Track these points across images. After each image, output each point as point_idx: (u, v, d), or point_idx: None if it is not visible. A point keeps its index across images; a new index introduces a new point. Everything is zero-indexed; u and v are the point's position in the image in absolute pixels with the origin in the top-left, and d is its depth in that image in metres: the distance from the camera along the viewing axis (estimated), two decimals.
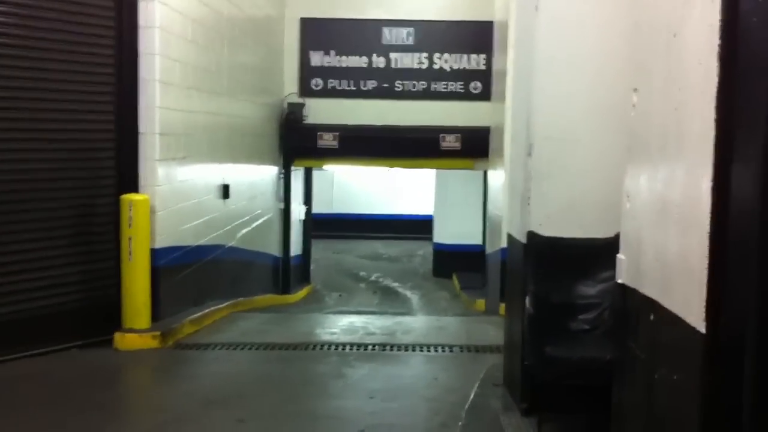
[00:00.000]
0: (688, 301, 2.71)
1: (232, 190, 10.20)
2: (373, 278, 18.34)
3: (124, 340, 7.16)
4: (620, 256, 3.70)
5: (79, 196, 7.32)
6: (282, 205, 14.22)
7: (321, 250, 19.41)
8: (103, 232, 7.45)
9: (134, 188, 7.52)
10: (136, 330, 7.24)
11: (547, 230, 5.20)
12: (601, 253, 5.02)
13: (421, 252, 21.83)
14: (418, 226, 23.11)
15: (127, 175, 7.56)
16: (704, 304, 2.58)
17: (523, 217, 5.45)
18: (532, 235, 5.22)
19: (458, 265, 16.83)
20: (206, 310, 8.65)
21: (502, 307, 8.72)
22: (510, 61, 8.95)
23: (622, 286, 3.63)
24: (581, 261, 5.17)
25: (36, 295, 6.90)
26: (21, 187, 6.84)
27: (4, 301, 6.66)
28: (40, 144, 6.99)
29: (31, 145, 6.93)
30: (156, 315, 7.52)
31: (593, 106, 5.21)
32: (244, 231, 11.19)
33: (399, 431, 5.19)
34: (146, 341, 7.19)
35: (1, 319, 6.63)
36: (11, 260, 6.72)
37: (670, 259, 2.94)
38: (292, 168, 14.47)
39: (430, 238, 19.82)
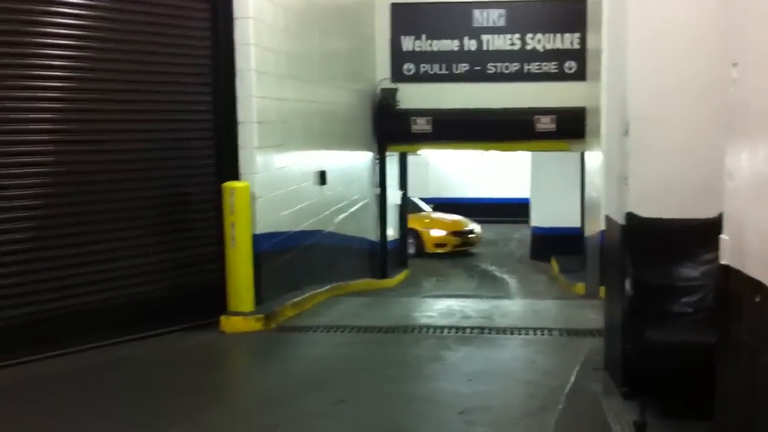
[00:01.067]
0: None
1: (328, 177, 10.36)
2: (470, 263, 18.31)
3: (230, 323, 7.40)
4: (723, 236, 3.61)
5: (183, 184, 7.57)
6: (378, 191, 14.34)
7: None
8: (205, 218, 7.70)
9: (234, 176, 7.74)
10: (241, 313, 7.47)
11: (645, 211, 5.09)
12: (702, 234, 4.89)
13: (517, 236, 21.64)
14: (514, 210, 22.90)
15: (226, 163, 7.79)
16: None
17: (620, 198, 5.36)
18: (630, 217, 5.12)
19: (556, 248, 16.61)
20: (306, 294, 8.84)
21: (602, 290, 8.59)
22: (604, 38, 8.77)
23: (726, 267, 3.54)
24: (682, 242, 5.05)
25: (142, 280, 7.18)
26: (126, 177, 7.13)
27: (114, 285, 6.96)
28: (142, 135, 7.26)
29: (134, 136, 7.21)
30: (258, 299, 7.74)
31: (689, 82, 5.06)
32: (340, 216, 11.36)
33: (497, 414, 5.19)
34: (250, 324, 7.42)
35: (113, 302, 6.94)
36: (118, 246, 7.02)
37: None
38: (387, 153, 14.56)
39: (527, 222, 19.63)
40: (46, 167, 6.53)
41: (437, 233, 19.21)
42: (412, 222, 18.23)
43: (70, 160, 6.70)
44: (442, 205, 22.62)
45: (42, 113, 6.50)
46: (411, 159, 17.67)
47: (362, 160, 13.37)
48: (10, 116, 6.32)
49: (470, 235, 19.69)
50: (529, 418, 5.09)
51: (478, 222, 20.58)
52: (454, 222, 19.90)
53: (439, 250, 18.85)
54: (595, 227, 10.57)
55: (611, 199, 5.82)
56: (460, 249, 19.31)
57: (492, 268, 17.52)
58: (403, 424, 4.99)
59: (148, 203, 7.30)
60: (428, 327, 7.79)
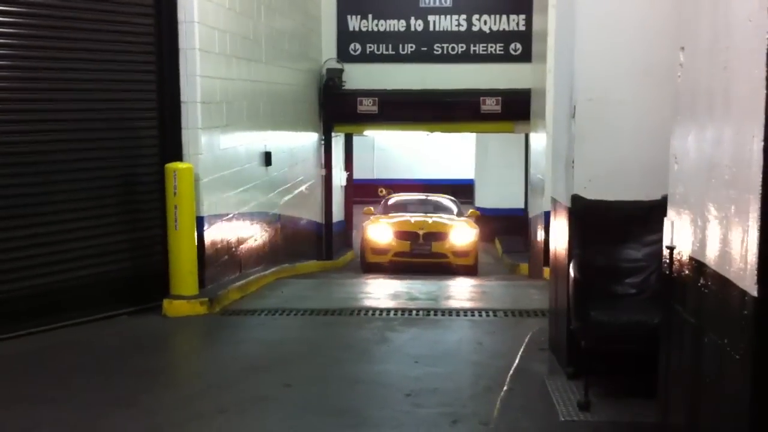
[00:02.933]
0: (739, 264, 2.67)
1: (273, 158, 10.25)
2: None
3: (173, 307, 7.28)
4: (668, 218, 3.66)
5: (124, 166, 7.40)
6: (323, 172, 14.26)
7: (362, 217, 19.45)
8: (148, 200, 7.55)
9: (178, 157, 7.59)
10: (184, 297, 7.36)
11: (591, 193, 5.14)
12: (647, 216, 4.97)
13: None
14: (459, 191, 22.98)
15: (170, 143, 7.63)
16: (756, 267, 2.54)
17: (567, 180, 5.40)
18: (576, 199, 5.17)
19: (500, 229, 16.77)
20: (251, 277, 8.75)
21: (546, 270, 8.69)
22: (551, 20, 8.81)
23: (670, 249, 3.59)
24: (627, 224, 5.12)
25: (84, 263, 7.03)
26: (66, 158, 6.93)
27: (53, 269, 6.79)
28: (83, 114, 7.07)
29: (76, 116, 7.01)
30: (202, 282, 7.63)
31: (637, 65, 5.11)
32: (286, 198, 11.26)
33: (444, 395, 5.21)
34: (194, 307, 7.31)
35: (51, 287, 6.77)
36: (59, 229, 6.84)
37: (720, 221, 2.90)
38: (333, 134, 14.47)
39: (472, 202, 19.75)
40: None
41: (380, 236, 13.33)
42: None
43: (8, 141, 6.48)
44: (388, 186, 22.62)
45: None
46: (357, 140, 17.60)
47: (308, 141, 13.26)
48: None
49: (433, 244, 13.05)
50: (476, 400, 5.12)
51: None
52: (403, 222, 13.56)
53: (379, 259, 13.09)
54: (538, 208, 10.68)
55: (557, 181, 5.87)
56: (414, 261, 12.94)
57: None
58: (350, 407, 4.96)
59: (89, 185, 7.13)
60: (374, 309, 7.79)
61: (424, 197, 15.70)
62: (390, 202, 15.63)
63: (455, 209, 14.86)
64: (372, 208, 15.13)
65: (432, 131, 16.02)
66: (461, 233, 13.19)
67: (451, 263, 12.82)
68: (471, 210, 15.37)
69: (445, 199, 15.50)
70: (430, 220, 13.52)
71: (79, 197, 7.04)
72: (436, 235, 13.09)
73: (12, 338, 6.35)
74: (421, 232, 13.04)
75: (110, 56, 7.21)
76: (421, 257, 12.86)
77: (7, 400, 5.05)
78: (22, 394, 5.16)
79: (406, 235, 13.08)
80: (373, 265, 12.99)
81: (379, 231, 13.25)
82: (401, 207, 14.99)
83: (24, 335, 6.43)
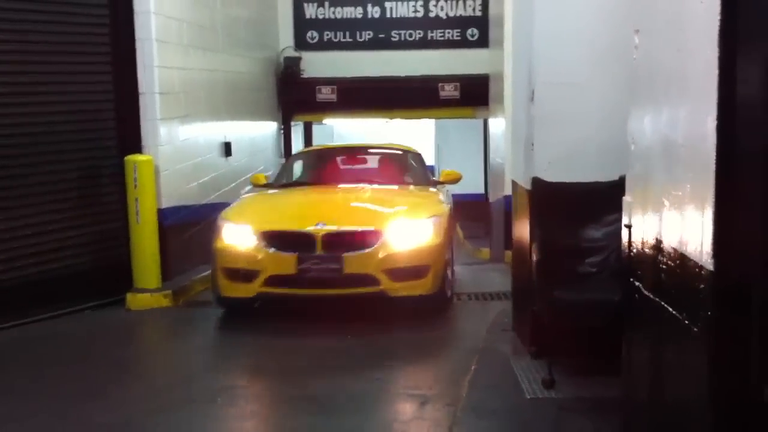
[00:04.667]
0: (695, 239, 2.76)
1: (234, 148, 10.20)
2: None
3: (136, 300, 7.24)
4: (626, 198, 3.74)
5: (83, 158, 7.33)
6: (283, 161, 14.21)
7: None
8: (108, 193, 7.49)
9: (137, 149, 7.53)
10: (148, 290, 7.32)
11: (551, 175, 5.23)
12: (606, 196, 5.05)
13: None
14: None
15: (129, 135, 7.56)
16: (711, 242, 2.62)
17: (527, 163, 5.48)
18: (536, 181, 5.25)
19: (460, 214, 16.85)
20: None
21: (507, 254, 8.79)
22: (508, 4, 8.88)
23: (629, 228, 3.67)
24: (586, 205, 5.21)
25: (46, 258, 6.95)
26: (24, 152, 6.84)
27: (13, 265, 6.72)
28: (40, 107, 6.98)
29: (32, 108, 6.92)
30: (166, 274, 7.59)
31: (594, 48, 5.19)
32: (248, 188, 11.21)
33: (411, 378, 5.27)
34: (158, 300, 7.28)
35: (12, 282, 6.69)
36: (19, 224, 6.76)
37: (676, 199, 2.98)
38: (292, 123, 14.43)
39: None
40: None
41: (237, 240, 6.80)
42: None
43: None
44: None
45: None
46: (316, 128, 17.57)
47: (267, 130, 13.21)
48: None
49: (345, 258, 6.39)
50: (442, 381, 5.19)
51: None
52: (285, 209, 7.47)
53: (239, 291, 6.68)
54: (499, 192, 10.78)
55: (517, 164, 5.95)
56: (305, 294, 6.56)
57: None
58: (314, 394, 4.99)
59: (49, 179, 7.04)
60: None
61: (361, 150, 9.69)
62: (298, 162, 9.19)
63: (416, 172, 8.57)
64: (264, 176, 8.66)
65: (391, 118, 16.06)
66: (408, 228, 6.58)
67: (387, 293, 6.38)
68: (446, 171, 8.80)
69: (400, 154, 9.17)
70: (346, 202, 7.40)
71: (38, 191, 6.95)
72: (351, 236, 6.44)
73: None
74: (317, 233, 6.34)
75: (66, 48, 7.13)
76: (321, 286, 6.36)
77: None
78: None
79: (287, 239, 6.46)
80: (232, 302, 6.76)
81: (238, 231, 6.64)
82: (318, 171, 8.76)
83: None
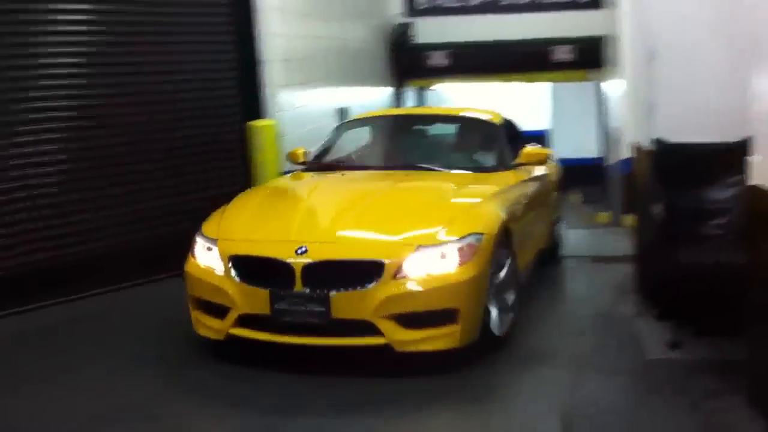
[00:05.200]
0: None
1: (349, 113, 10.40)
2: None
3: None
4: (752, 158, 3.68)
5: (207, 125, 7.56)
6: None
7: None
8: (231, 158, 7.72)
9: (257, 115, 7.78)
10: None
11: (674, 136, 5.16)
12: (729, 157, 4.97)
13: None
14: (534, 142, 22.81)
15: (250, 102, 7.81)
16: None
17: (648, 124, 5.42)
18: (658, 143, 5.19)
19: (577, 178, 16.60)
20: None
21: (625, 218, 8.68)
22: None
23: (754, 188, 3.62)
24: (710, 166, 5.13)
25: (172, 220, 7.16)
26: (150, 119, 7.08)
27: (144, 225, 7.01)
28: (166, 77, 7.21)
29: (156, 78, 7.15)
30: None
31: (716, 8, 5.07)
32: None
33: (532, 339, 5.34)
34: None
35: (147, 242, 7.01)
36: (148, 187, 7.04)
37: None
38: (405, 89, 14.53)
39: None
40: (68, 111, 6.48)
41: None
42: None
43: (90, 104, 6.63)
44: None
45: (63, 56, 6.44)
46: (429, 94, 17.60)
47: (380, 96, 13.35)
48: (32, 51, 6.28)
49: (333, 300, 4.49)
50: (564, 343, 5.23)
51: None
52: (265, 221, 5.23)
53: (209, 330, 4.88)
54: (616, 156, 10.61)
55: (638, 126, 5.88)
56: (283, 341, 4.60)
57: None
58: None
59: (174, 145, 7.28)
60: None
61: (428, 118, 7.41)
62: (347, 132, 6.95)
63: (492, 149, 6.33)
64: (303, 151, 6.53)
65: (503, 82, 15.91)
66: (427, 255, 4.58)
67: (394, 346, 4.50)
68: (530, 149, 6.20)
69: (477, 124, 6.87)
70: (358, 209, 5.15)
71: (163, 157, 7.18)
72: (342, 268, 4.59)
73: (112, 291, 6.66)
74: (296, 264, 4.54)
75: (190, 18, 7.36)
76: (302, 332, 4.60)
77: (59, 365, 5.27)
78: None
79: (259, 267, 4.72)
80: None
81: (208, 251, 4.96)
82: (366, 147, 6.95)
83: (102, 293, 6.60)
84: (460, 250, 4.55)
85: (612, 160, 11.44)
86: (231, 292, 4.63)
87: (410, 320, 4.45)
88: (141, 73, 7.07)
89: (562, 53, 13.62)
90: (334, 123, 9.90)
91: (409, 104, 15.33)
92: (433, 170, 5.84)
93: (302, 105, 8.73)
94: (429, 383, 4.41)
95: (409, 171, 5.86)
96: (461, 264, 4.52)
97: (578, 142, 16.90)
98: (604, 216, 11.59)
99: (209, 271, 4.79)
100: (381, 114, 8.06)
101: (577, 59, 13.54)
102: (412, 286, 4.46)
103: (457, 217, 4.83)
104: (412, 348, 4.47)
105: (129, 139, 6.99)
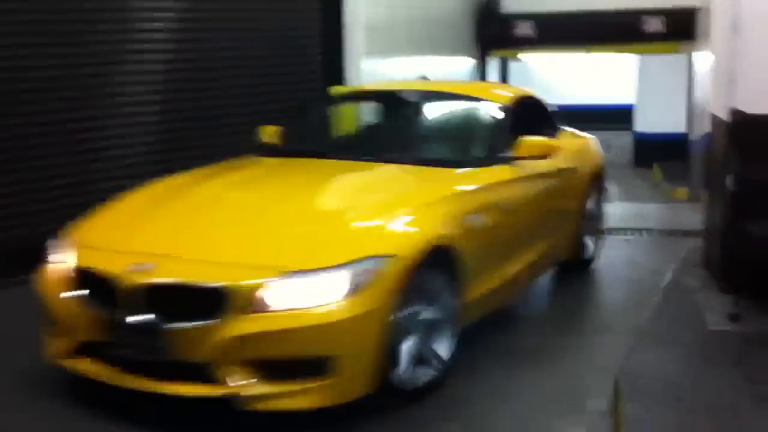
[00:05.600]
0: None
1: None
2: None
3: None
4: None
5: (292, 90, 7.77)
6: None
7: None
8: None
9: (340, 82, 7.93)
10: None
11: (753, 107, 5.07)
12: None
13: (618, 143, 21.23)
14: (615, 116, 22.40)
15: (333, 68, 7.96)
16: None
17: (727, 95, 5.33)
18: (736, 113, 5.12)
19: (660, 154, 16.27)
20: None
21: (703, 193, 8.53)
22: None
23: None
24: None
25: None
26: (235, 83, 7.31)
27: None
28: (253, 43, 7.43)
29: (243, 43, 7.37)
30: None
31: None
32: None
33: (596, 309, 5.39)
34: None
35: None
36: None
37: None
38: (488, 59, 14.46)
39: (628, 128, 19.20)
40: (146, 85, 6.68)
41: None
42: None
43: (178, 68, 6.85)
44: None
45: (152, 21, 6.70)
46: (513, 66, 17.47)
47: (464, 66, 13.34)
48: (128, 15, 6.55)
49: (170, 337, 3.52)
50: (627, 312, 5.26)
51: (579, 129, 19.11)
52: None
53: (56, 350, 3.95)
54: (700, 130, 10.38)
55: (718, 96, 5.79)
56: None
57: None
58: (501, 314, 5.22)
59: (259, 109, 7.39)
60: None
61: (418, 96, 5.99)
62: (328, 108, 6.35)
63: (485, 137, 5.33)
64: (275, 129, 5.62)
65: (589, 53, 15.65)
66: (295, 284, 3.50)
67: (240, 401, 3.47)
68: (530, 140, 4.92)
69: (474, 107, 5.61)
70: (249, 216, 4.15)
71: (245, 121, 7.43)
72: (184, 294, 3.55)
73: None
74: (126, 284, 3.57)
75: None
76: (134, 371, 3.62)
77: None
78: None
79: (98, 285, 3.70)
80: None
81: (60, 259, 4.00)
82: (342, 130, 6.35)
83: None
84: (349, 277, 3.46)
85: (695, 134, 11.19)
86: (71, 313, 3.73)
87: (266, 368, 3.43)
88: (225, 38, 7.25)
89: (653, 24, 13.32)
90: None
91: (492, 75, 15.26)
92: (395, 163, 4.73)
93: (385, 73, 8.84)
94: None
95: (367, 162, 4.78)
96: (349, 296, 3.44)
97: (664, 117, 16.50)
98: (682, 191, 11.39)
99: (55, 285, 3.85)
100: (362, 90, 6.62)
101: (668, 31, 13.21)
102: (270, 323, 3.39)
103: (358, 233, 3.80)
104: (263, 406, 3.44)
105: (223, 102, 7.18)
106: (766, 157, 5.03)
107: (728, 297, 4.93)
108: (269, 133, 5.48)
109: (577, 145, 6.10)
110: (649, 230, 7.57)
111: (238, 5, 7.34)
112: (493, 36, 13.89)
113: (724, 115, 5.34)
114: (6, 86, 5.72)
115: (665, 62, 16.01)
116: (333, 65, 8.00)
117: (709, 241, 5.81)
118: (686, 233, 7.34)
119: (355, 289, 3.46)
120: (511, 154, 4.84)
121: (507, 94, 5.68)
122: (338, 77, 7.99)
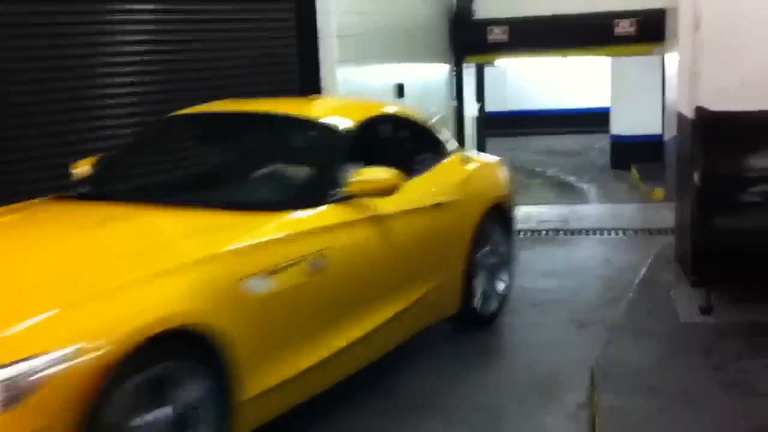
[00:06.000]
0: None
1: (406, 90, 10.55)
2: (549, 173, 18.34)
3: None
4: None
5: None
6: (455, 103, 14.47)
7: (495, 148, 19.51)
8: None
9: (316, 91, 8.01)
10: None
11: (716, 105, 5.20)
12: None
13: (597, 146, 21.47)
14: (594, 120, 22.62)
15: (309, 78, 8.03)
16: None
17: (691, 93, 5.46)
18: (700, 111, 5.24)
19: (637, 156, 16.48)
20: None
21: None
22: None
23: None
24: (752, 135, 5.16)
25: None
26: (215, 94, 7.35)
27: None
28: (229, 53, 7.48)
29: (220, 54, 7.37)
30: None
31: None
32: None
33: (571, 305, 5.48)
34: None
35: None
36: None
37: None
38: (464, 65, 14.60)
39: (607, 131, 19.45)
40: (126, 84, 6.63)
41: None
42: None
43: (163, 80, 6.83)
44: (521, 117, 22.52)
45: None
46: (488, 71, 17.64)
47: (439, 72, 13.47)
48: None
49: None
50: (603, 308, 5.37)
51: (557, 134, 19.06)
52: None
53: None
54: (673, 131, 10.55)
55: (682, 95, 5.92)
56: None
57: (571, 178, 17.53)
58: None
59: None
60: None
61: (242, 121, 4.80)
62: (147, 137, 5.21)
63: (305, 172, 4.23)
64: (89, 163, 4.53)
65: (564, 56, 15.83)
66: None
67: None
68: (365, 172, 3.90)
69: (297, 135, 4.80)
70: None
71: None
72: None
73: None
74: None
75: None
76: None
77: None
78: None
79: None
80: None
81: None
82: (149, 167, 5.13)
83: None
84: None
85: (669, 135, 11.37)
86: None
87: None
88: (212, 50, 7.21)
89: (625, 27, 13.50)
90: (392, 98, 10.09)
91: (469, 81, 15.41)
92: (192, 205, 3.71)
93: (361, 81, 8.92)
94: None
95: (153, 206, 3.78)
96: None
97: (640, 119, 16.74)
98: (659, 192, 11.57)
99: None
100: (196, 111, 4.92)
101: (640, 33, 13.39)
102: None
103: (29, 317, 2.64)
104: None
105: None
106: (729, 152, 5.15)
107: (699, 290, 5.05)
108: (81, 167, 4.42)
109: (466, 173, 4.93)
110: (624, 229, 7.68)
111: (218, 17, 7.38)
112: (468, 42, 14.03)
113: (689, 113, 5.47)
114: None
115: (639, 64, 16.24)
116: (311, 75, 8.06)
117: (681, 237, 5.93)
118: (660, 231, 7.47)
119: (11, 402, 2.41)
120: (345, 191, 3.79)
121: (353, 113, 4.44)
122: (316, 87, 8.07)
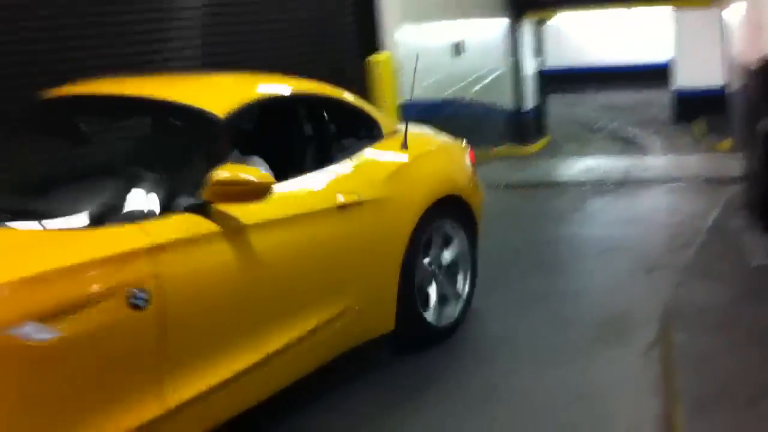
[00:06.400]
0: None
1: (464, 47, 10.57)
2: (611, 128, 18.12)
3: None
4: None
5: (330, 60, 7.92)
6: (513, 60, 14.39)
7: (555, 104, 19.33)
8: (355, 93, 8.08)
9: (375, 48, 8.09)
10: None
11: None
12: None
13: (658, 100, 21.14)
14: (653, 75, 22.21)
15: (368, 36, 8.11)
16: None
17: (757, 44, 5.43)
18: (764, 61, 5.21)
19: (702, 109, 16.21)
20: None
21: None
22: None
23: None
24: None
25: None
26: (273, 54, 7.43)
27: None
28: (287, 14, 7.54)
29: (279, 15, 7.39)
30: None
31: None
32: (477, 86, 11.60)
33: (640, 252, 5.54)
34: None
35: None
36: None
37: None
38: (523, 21, 14.49)
39: (666, 87, 19.06)
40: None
41: None
42: None
43: (219, 41, 6.72)
44: (580, 74, 22.19)
45: None
46: (548, 28, 17.44)
47: (498, 29, 13.40)
48: None
49: None
50: (672, 253, 5.38)
51: (617, 89, 18.59)
52: None
53: None
54: (737, 83, 10.39)
55: (748, 47, 5.88)
56: None
57: (634, 132, 17.31)
58: (546, 260, 5.42)
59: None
60: (568, 183, 8.10)
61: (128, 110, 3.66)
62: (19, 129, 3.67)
63: (155, 179, 2.94)
64: None
65: (626, 8, 15.59)
66: None
67: None
68: (230, 171, 2.85)
69: (165, 116, 3.48)
70: None
71: None
72: None
73: None
74: None
75: None
76: None
77: None
78: None
79: None
80: None
81: None
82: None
83: None
84: None
85: (733, 87, 11.18)
86: None
87: None
88: (261, 11, 7.20)
89: None
90: (450, 57, 10.13)
91: (526, 38, 15.26)
92: (20, 218, 2.76)
93: (419, 38, 8.99)
94: None
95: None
96: None
97: (703, 72, 16.40)
98: (725, 144, 11.43)
99: None
100: (73, 93, 3.68)
101: None
102: None
103: None
104: None
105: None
106: None
107: None
108: None
109: (400, 162, 3.92)
110: (691, 179, 7.67)
111: None
112: None
113: (752, 62, 5.45)
114: None
115: (701, 16, 15.90)
116: (369, 33, 8.12)
117: (749, 185, 5.93)
118: (728, 180, 7.44)
119: None
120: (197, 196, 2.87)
121: (234, 94, 3.46)
122: (374, 44, 8.13)
